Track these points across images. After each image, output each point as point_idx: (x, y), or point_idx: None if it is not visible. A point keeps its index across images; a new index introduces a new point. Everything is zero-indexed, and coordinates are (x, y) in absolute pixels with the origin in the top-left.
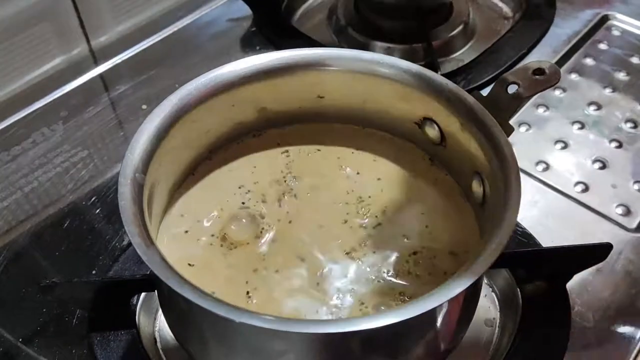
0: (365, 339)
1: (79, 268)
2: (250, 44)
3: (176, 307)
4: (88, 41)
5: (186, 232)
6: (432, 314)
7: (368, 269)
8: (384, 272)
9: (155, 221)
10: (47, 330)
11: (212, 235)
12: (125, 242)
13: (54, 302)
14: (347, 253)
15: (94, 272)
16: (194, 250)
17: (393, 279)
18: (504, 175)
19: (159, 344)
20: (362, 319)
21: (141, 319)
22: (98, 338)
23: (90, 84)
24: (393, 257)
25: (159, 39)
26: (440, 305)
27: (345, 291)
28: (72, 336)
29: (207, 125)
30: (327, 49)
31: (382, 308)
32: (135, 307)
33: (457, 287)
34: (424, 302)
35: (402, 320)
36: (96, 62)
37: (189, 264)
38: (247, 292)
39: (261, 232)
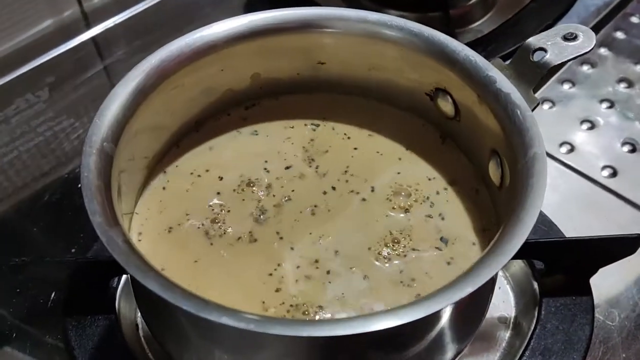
0: (362, 340)
1: (57, 246)
2: (254, 8)
3: (147, 296)
4: (80, 2)
5: (166, 209)
6: (440, 312)
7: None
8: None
9: (131, 196)
10: (20, 312)
11: (193, 216)
12: None
13: (28, 282)
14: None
15: (73, 250)
16: (175, 231)
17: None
18: (527, 155)
19: (140, 331)
20: (356, 320)
21: (121, 303)
22: (73, 323)
23: (81, 49)
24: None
25: (156, 0)
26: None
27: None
28: (46, 319)
29: (192, 92)
30: (327, 8)
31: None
32: (115, 291)
33: (471, 284)
34: (433, 301)
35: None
36: (88, 25)
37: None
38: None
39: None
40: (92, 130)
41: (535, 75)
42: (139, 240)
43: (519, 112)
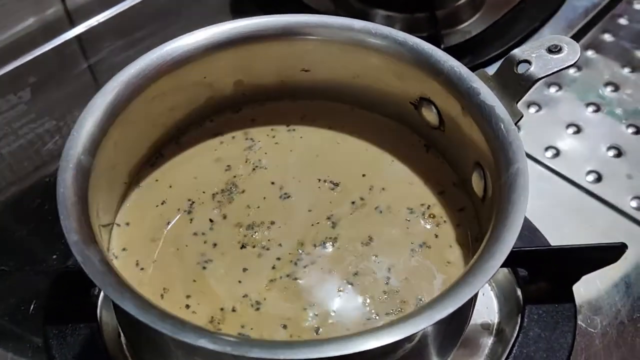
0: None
1: (39, 251)
2: (239, 9)
3: (126, 314)
4: (63, 0)
5: (147, 219)
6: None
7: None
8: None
9: (111, 207)
10: (2, 320)
11: (176, 225)
12: None
13: (8, 291)
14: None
15: (54, 256)
16: (157, 241)
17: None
18: (509, 170)
19: (123, 339)
20: (336, 342)
21: (103, 311)
22: (54, 332)
23: (65, 47)
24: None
25: None
26: None
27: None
28: (27, 327)
29: (173, 100)
30: (312, 16)
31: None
32: (97, 299)
33: (454, 303)
34: (414, 322)
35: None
36: (72, 23)
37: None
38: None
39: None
40: (69, 143)
41: (519, 88)
42: (124, 249)
43: (502, 125)
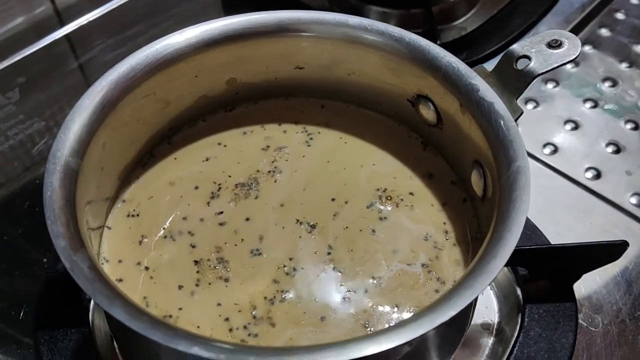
0: None
1: (29, 255)
2: (231, 4)
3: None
4: None
5: (138, 221)
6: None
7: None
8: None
9: (101, 210)
10: None
11: (168, 228)
12: None
13: None
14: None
15: (45, 259)
16: (147, 243)
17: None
18: (510, 168)
19: (115, 344)
20: (335, 348)
21: (95, 315)
22: (45, 337)
23: (54, 47)
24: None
25: None
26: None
27: None
28: (17, 332)
29: (165, 99)
30: (306, 12)
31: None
32: (89, 303)
33: (456, 305)
34: (414, 326)
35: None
36: (62, 22)
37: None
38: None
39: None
40: (56, 145)
41: (519, 84)
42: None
43: (502, 122)
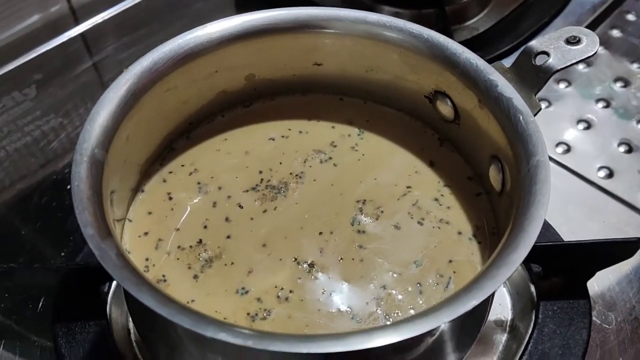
0: (361, 354)
1: (47, 248)
2: (245, 3)
3: (141, 309)
4: None
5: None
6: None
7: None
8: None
9: (124, 202)
10: (9, 318)
11: (188, 221)
12: None
13: (17, 288)
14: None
15: (62, 253)
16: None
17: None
18: (530, 163)
19: (132, 337)
20: (357, 336)
21: (113, 308)
22: (63, 329)
23: (69, 45)
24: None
25: None
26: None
27: None
28: (36, 325)
29: (185, 94)
30: (324, 9)
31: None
32: (107, 296)
33: (478, 296)
34: (435, 316)
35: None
36: (77, 21)
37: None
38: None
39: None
40: (83, 137)
41: (537, 79)
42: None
43: (521, 117)
